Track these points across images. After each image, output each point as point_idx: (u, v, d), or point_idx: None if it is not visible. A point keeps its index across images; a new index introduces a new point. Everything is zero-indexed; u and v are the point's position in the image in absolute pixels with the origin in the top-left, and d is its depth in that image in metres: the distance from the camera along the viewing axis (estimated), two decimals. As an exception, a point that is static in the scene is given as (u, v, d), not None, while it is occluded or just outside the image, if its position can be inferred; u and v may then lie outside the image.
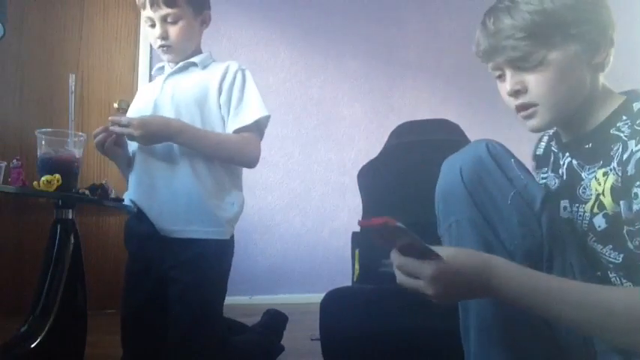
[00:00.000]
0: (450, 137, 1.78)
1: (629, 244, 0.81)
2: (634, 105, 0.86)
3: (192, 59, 1.49)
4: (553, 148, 1.03)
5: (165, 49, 1.44)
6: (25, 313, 1.20)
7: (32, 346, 1.12)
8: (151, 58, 3.04)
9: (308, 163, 3.38)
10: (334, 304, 1.51)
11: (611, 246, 0.85)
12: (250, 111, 1.44)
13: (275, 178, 3.31)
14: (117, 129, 1.31)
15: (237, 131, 1.43)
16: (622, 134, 0.84)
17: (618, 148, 0.84)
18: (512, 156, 0.92)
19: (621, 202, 0.81)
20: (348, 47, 3.49)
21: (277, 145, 3.31)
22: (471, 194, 0.90)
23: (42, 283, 1.19)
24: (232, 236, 1.50)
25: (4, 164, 1.20)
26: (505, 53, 0.88)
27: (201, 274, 1.39)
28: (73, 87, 1.31)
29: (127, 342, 1.47)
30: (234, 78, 1.45)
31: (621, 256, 0.84)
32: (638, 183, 0.78)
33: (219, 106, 1.45)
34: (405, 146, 1.80)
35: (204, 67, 1.50)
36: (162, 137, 1.34)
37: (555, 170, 1.01)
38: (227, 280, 1.49)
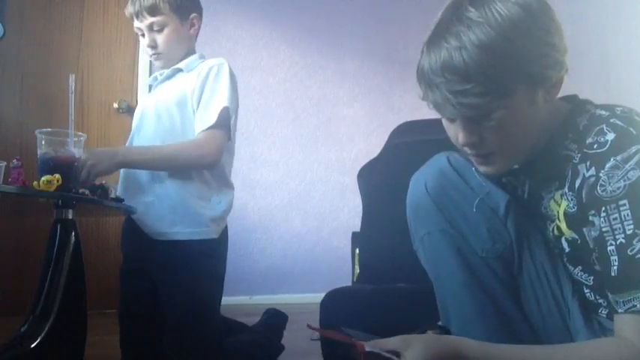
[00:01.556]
0: (450, 137, 1.77)
1: (596, 267, 0.80)
2: (578, 120, 0.82)
3: (179, 65, 1.50)
4: (504, 180, 0.97)
5: (155, 56, 1.48)
6: (25, 313, 1.19)
7: (32, 346, 1.12)
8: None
9: (308, 163, 3.38)
10: (334, 304, 1.51)
11: (580, 267, 0.85)
12: (214, 109, 1.41)
13: (275, 178, 3.31)
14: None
15: (201, 132, 1.41)
16: (570, 153, 0.81)
17: (569, 170, 0.81)
18: (473, 165, 0.92)
19: (584, 230, 0.79)
20: (348, 47, 3.49)
21: (277, 145, 3.31)
22: (438, 206, 0.92)
23: (42, 283, 1.19)
24: (225, 234, 1.49)
25: (4, 164, 1.20)
26: (461, 111, 0.77)
27: (190, 275, 1.39)
28: (73, 87, 1.31)
29: (125, 343, 1.48)
30: (207, 75, 1.44)
31: (591, 278, 0.83)
32: (592, 211, 0.76)
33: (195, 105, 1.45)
34: (405, 146, 1.80)
35: (190, 70, 1.50)
36: (111, 165, 1.34)
37: (512, 192, 0.95)
38: (221, 279, 1.49)
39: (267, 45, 3.33)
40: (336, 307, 1.51)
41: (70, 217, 1.24)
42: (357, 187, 1.97)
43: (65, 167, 1.19)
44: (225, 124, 1.42)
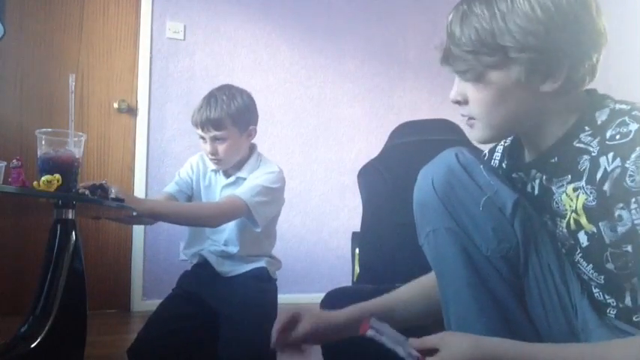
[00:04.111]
0: (450, 137, 1.78)
1: (609, 265, 0.79)
2: (596, 115, 0.82)
3: (241, 174, 1.66)
4: (514, 175, 0.98)
5: (215, 161, 1.63)
6: (25, 313, 1.20)
7: (32, 346, 1.12)
8: (150, 58, 3.04)
9: (308, 163, 3.38)
10: (334, 304, 1.51)
11: (592, 265, 0.84)
12: (249, 185, 1.58)
13: (275, 178, 3.31)
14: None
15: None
16: (587, 147, 0.81)
17: (585, 163, 0.81)
18: (482, 162, 0.92)
19: (601, 224, 0.79)
20: (348, 47, 3.49)
21: (277, 145, 3.31)
22: (444, 204, 0.91)
23: (42, 283, 1.19)
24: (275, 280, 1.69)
25: (4, 164, 1.19)
26: (452, 62, 0.88)
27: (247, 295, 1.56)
28: (73, 87, 1.31)
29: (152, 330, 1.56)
30: (260, 175, 1.61)
31: (602, 277, 0.83)
32: (621, 205, 0.75)
33: None
34: (405, 146, 1.80)
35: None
36: (142, 212, 1.47)
37: (522, 189, 0.96)
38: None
39: (267, 45, 3.33)
40: (336, 307, 1.50)
41: (70, 217, 1.24)
42: (357, 187, 1.97)
43: (65, 167, 1.19)
44: (251, 201, 1.53)
